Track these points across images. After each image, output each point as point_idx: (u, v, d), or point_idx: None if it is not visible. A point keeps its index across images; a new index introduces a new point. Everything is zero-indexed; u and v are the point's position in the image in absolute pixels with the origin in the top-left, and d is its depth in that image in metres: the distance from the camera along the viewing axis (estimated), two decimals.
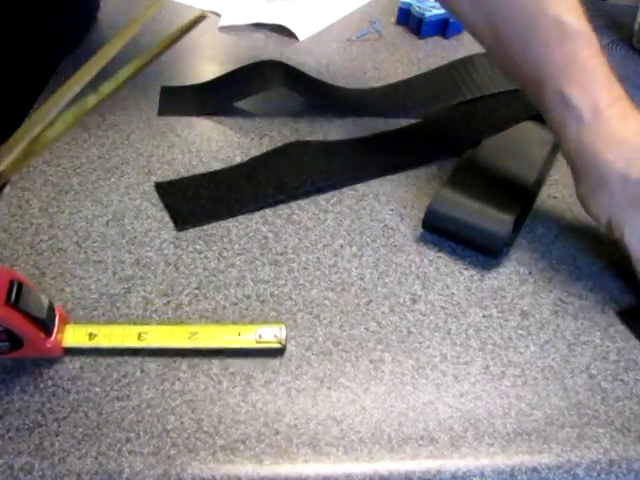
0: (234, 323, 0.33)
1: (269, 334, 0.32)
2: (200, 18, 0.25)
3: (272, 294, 0.35)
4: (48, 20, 0.53)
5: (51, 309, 0.29)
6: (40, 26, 0.52)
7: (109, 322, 0.32)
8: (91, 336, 0.30)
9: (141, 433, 0.28)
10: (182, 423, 0.29)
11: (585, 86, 0.34)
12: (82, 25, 0.59)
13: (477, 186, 0.40)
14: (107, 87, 0.26)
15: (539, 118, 0.40)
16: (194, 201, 0.41)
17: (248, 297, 0.35)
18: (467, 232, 0.38)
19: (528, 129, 0.46)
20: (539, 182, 0.43)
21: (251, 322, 0.33)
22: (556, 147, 0.44)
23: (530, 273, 0.38)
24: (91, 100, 0.25)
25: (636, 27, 0.68)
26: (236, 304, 0.34)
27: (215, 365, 0.31)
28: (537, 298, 0.37)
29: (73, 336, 0.31)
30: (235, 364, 0.31)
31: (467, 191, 0.39)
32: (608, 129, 0.34)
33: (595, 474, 0.29)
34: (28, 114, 0.47)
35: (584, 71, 0.34)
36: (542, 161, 0.44)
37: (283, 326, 0.32)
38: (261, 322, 0.33)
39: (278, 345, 0.31)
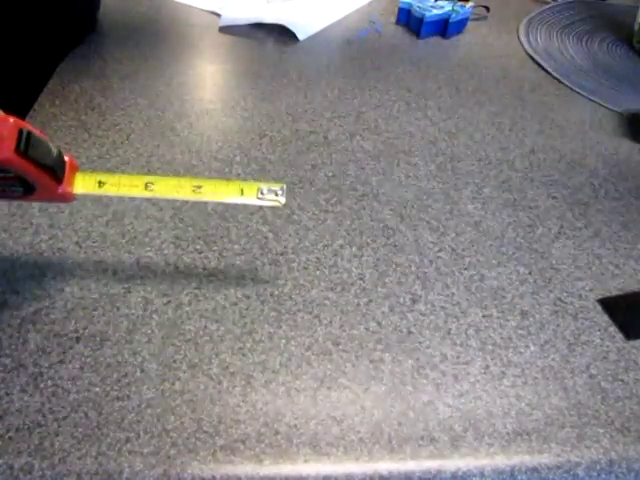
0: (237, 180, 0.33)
1: (270, 193, 0.32)
2: None
3: (272, 294, 0.35)
4: (48, 20, 0.53)
5: (60, 157, 0.30)
6: (40, 26, 0.52)
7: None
8: (100, 184, 0.31)
9: (141, 433, 0.28)
10: (182, 423, 0.29)
11: None
12: (82, 25, 0.59)
13: None
14: None
15: None
16: None
17: (248, 297, 0.35)
18: None
19: None
20: None
21: (254, 180, 0.34)
22: None
23: (530, 273, 0.38)
24: None
25: (636, 27, 0.68)
26: (236, 304, 0.34)
27: (215, 365, 0.31)
28: (537, 298, 0.37)
29: (83, 183, 0.31)
30: (235, 364, 0.31)
31: None
32: None
33: (595, 474, 0.29)
34: (28, 114, 0.47)
35: None
36: None
37: (284, 186, 0.32)
38: (263, 181, 0.34)
39: (277, 203, 0.32)
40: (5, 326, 0.32)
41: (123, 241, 0.38)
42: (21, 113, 0.48)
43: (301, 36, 0.62)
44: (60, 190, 0.30)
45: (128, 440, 0.28)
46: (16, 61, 0.50)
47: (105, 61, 0.56)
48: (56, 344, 0.31)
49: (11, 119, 0.27)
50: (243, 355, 0.32)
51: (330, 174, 0.45)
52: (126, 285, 0.35)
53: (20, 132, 0.27)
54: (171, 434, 0.28)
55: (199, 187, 0.31)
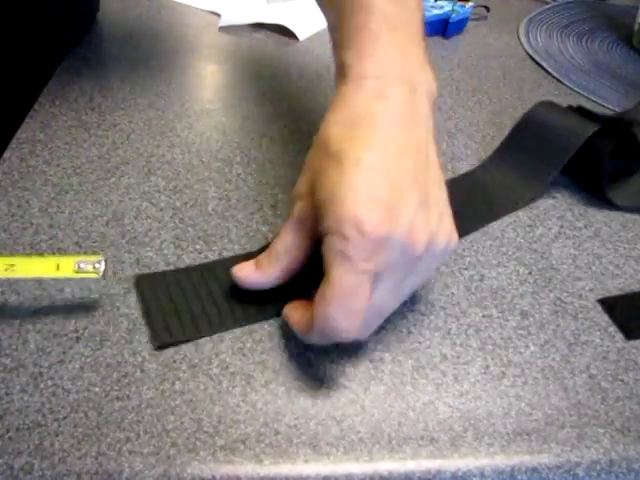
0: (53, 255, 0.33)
1: (88, 265, 0.32)
2: None
3: None
4: (48, 20, 0.53)
5: None
6: (40, 26, 0.52)
7: None
8: None
9: (141, 433, 0.28)
10: (182, 423, 0.29)
11: (360, 51, 0.32)
12: (82, 25, 0.60)
13: None
14: None
15: None
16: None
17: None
18: None
19: None
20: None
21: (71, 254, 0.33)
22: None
23: (530, 273, 0.38)
24: None
25: (636, 27, 0.68)
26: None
27: (215, 365, 0.31)
28: (537, 298, 0.37)
29: None
30: (235, 364, 0.31)
31: None
32: (352, 95, 0.32)
33: (595, 474, 0.29)
34: (28, 114, 0.47)
35: (367, 40, 0.32)
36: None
37: (102, 258, 0.32)
38: (79, 254, 0.33)
39: (96, 275, 0.31)
40: (5, 326, 0.32)
41: (123, 241, 0.38)
42: (21, 113, 0.48)
43: (301, 36, 0.62)
44: None
45: (128, 440, 0.28)
46: (16, 61, 0.50)
47: (105, 61, 0.56)
48: (56, 344, 0.31)
49: None
50: (243, 355, 0.32)
51: None
52: (126, 285, 0.35)
53: None
54: (171, 434, 0.28)
55: (12, 265, 0.30)
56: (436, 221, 0.29)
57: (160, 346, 0.31)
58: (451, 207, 0.31)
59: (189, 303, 0.33)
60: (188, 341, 0.32)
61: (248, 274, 0.33)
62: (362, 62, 0.32)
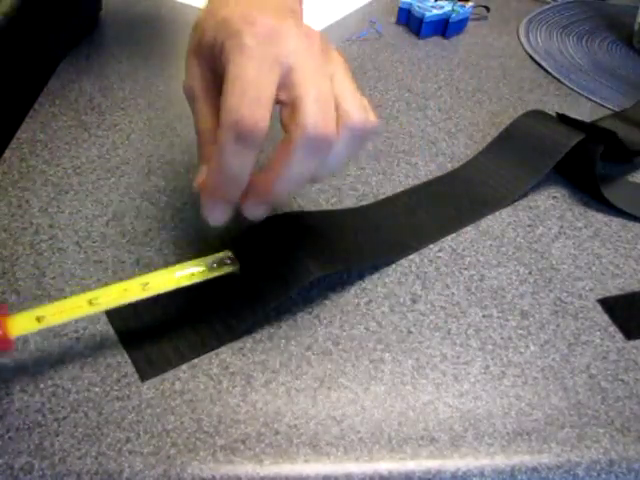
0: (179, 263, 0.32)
1: (220, 261, 0.31)
2: None
3: None
4: (49, 20, 0.53)
5: None
6: (41, 26, 0.52)
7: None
8: (39, 319, 0.28)
9: (141, 433, 0.28)
10: (182, 423, 0.29)
11: None
12: (84, 25, 0.59)
13: None
14: None
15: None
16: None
17: None
18: None
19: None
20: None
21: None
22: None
23: (530, 273, 0.38)
24: None
25: (636, 27, 0.68)
26: None
27: (215, 365, 0.31)
28: (537, 298, 0.37)
29: (18, 324, 0.28)
30: (235, 364, 0.31)
31: None
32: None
33: (595, 474, 0.29)
34: (28, 114, 0.47)
35: None
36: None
37: (229, 253, 0.32)
38: (205, 256, 0.32)
39: (234, 268, 0.32)
40: None
41: (123, 241, 0.38)
42: (21, 113, 0.48)
43: None
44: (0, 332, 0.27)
45: (128, 440, 0.28)
46: (16, 61, 0.50)
47: (105, 61, 0.56)
48: (56, 344, 0.31)
49: None
50: (243, 355, 0.32)
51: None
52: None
53: None
54: (171, 434, 0.28)
55: (146, 284, 0.30)
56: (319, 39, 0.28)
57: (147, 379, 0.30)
58: (435, 202, 0.31)
59: (166, 330, 0.32)
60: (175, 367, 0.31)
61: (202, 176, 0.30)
62: None
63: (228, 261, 0.32)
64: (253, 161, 0.27)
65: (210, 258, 0.32)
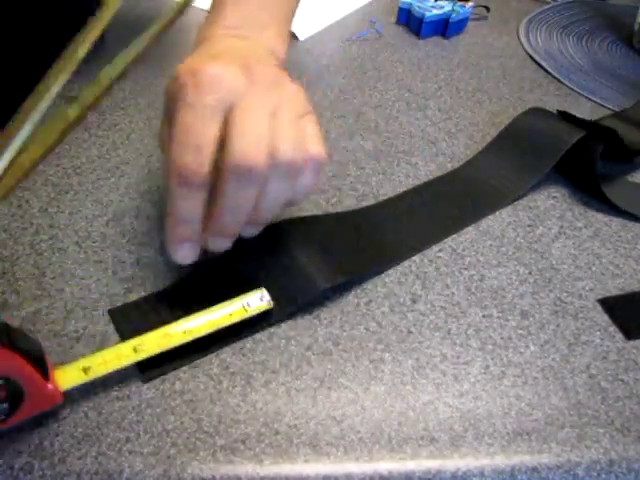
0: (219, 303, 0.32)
1: (255, 300, 0.32)
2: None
3: None
4: (49, 19, 0.53)
5: (41, 347, 0.27)
6: (41, 25, 0.52)
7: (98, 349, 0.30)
8: (86, 370, 0.28)
9: (141, 433, 0.28)
10: (182, 423, 0.29)
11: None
12: (83, 25, 0.59)
13: None
14: (90, 92, 0.25)
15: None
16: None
17: None
18: None
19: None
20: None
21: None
22: None
23: (530, 273, 0.38)
24: (73, 111, 0.24)
25: (636, 27, 0.68)
26: None
27: (215, 365, 0.31)
28: (537, 298, 0.37)
29: (66, 376, 0.28)
30: (235, 364, 0.31)
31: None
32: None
33: (595, 474, 0.29)
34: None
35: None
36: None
37: (264, 290, 0.33)
38: (238, 296, 0.33)
39: (268, 306, 0.32)
40: None
41: (123, 241, 0.38)
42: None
43: (301, 36, 0.62)
44: (50, 387, 0.26)
45: (128, 440, 0.28)
46: (15, 60, 0.50)
47: (105, 61, 0.56)
48: (56, 344, 0.31)
49: None
50: (243, 355, 0.32)
51: (330, 174, 0.45)
52: (126, 285, 0.35)
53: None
54: (171, 434, 0.28)
55: (189, 332, 0.30)
56: (268, 71, 0.31)
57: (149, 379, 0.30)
58: (436, 203, 0.35)
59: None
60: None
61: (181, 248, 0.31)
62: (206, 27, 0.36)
63: (263, 299, 0.32)
64: (202, 202, 0.29)
65: (245, 297, 0.32)
